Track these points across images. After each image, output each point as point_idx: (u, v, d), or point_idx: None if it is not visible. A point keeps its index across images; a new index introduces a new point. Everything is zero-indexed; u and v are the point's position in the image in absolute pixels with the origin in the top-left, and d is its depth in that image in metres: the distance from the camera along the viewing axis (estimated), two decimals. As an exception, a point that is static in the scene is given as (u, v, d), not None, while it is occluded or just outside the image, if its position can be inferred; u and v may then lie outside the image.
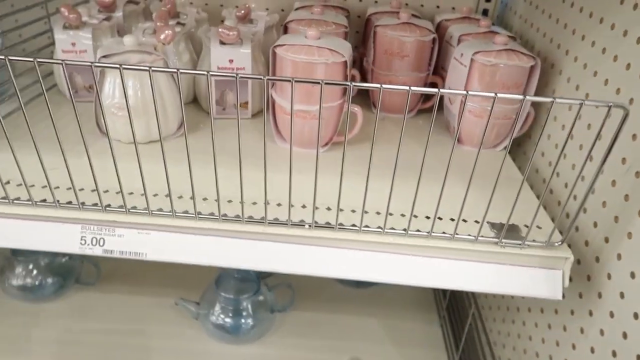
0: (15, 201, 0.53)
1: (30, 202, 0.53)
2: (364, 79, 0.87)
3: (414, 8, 0.94)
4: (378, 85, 0.43)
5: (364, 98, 0.88)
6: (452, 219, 0.57)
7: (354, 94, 0.83)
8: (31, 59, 0.42)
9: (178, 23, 0.80)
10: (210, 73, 0.42)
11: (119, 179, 0.50)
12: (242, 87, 0.76)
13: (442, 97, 0.83)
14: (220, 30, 0.72)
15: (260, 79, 0.43)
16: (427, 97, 0.84)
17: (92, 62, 0.43)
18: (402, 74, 0.80)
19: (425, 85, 0.83)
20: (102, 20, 0.79)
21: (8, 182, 0.57)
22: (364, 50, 0.91)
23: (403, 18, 0.79)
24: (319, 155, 0.48)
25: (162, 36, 0.70)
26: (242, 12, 0.85)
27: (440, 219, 0.56)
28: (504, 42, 0.70)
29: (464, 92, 0.45)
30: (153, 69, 0.43)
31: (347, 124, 0.46)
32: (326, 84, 0.43)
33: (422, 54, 0.79)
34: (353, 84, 0.44)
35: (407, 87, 0.43)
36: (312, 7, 0.82)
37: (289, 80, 0.43)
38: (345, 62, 0.64)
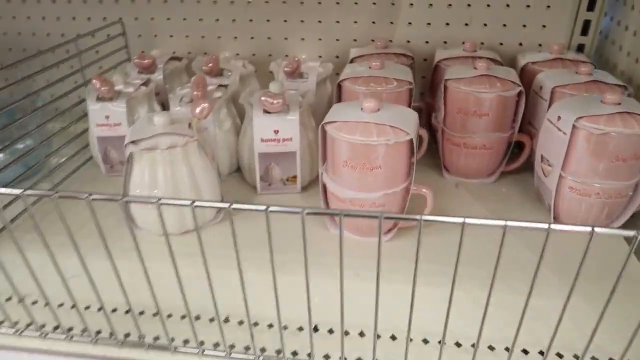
0: (25, 332, 0.45)
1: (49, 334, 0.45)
2: (433, 138, 0.74)
3: (491, 47, 0.80)
4: (338, 213, 0.31)
5: (433, 157, 0.75)
6: (541, 353, 0.42)
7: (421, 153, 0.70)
8: (83, 197, 0.34)
9: (219, 86, 0.72)
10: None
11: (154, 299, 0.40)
12: (289, 160, 0.66)
13: (529, 157, 0.69)
14: (263, 99, 0.63)
15: (298, 212, 0.32)
16: (517, 153, 0.69)
17: (120, 198, 0.34)
18: (480, 135, 0.66)
19: (509, 147, 0.69)
20: (140, 85, 0.72)
21: (22, 300, 0.49)
22: (431, 101, 0.78)
23: (480, 68, 0.65)
24: (382, 245, 0.36)
25: (198, 110, 0.61)
26: (291, 66, 0.75)
27: (525, 352, 0.42)
28: (616, 101, 0.54)
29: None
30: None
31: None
32: (385, 217, 0.32)
33: (505, 111, 0.65)
34: (384, 216, 0.31)
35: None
36: (371, 59, 0.70)
37: (337, 214, 0.32)
38: (411, 140, 0.52)
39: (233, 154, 0.73)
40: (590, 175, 0.55)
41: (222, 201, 0.63)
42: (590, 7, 0.75)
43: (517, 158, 0.71)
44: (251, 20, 0.84)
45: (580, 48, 0.78)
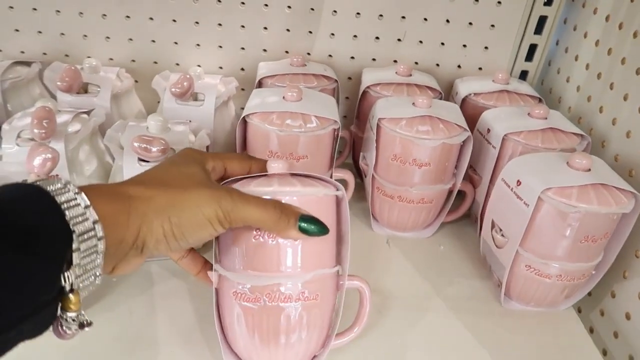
0: None
1: None
2: (361, 182, 0.61)
3: (426, 68, 0.68)
4: None
5: (360, 201, 0.62)
6: None
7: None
8: None
9: (79, 114, 0.52)
10: None
11: None
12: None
13: (475, 217, 0.58)
14: (136, 145, 0.45)
15: None
16: (456, 203, 0.58)
17: None
18: (418, 188, 0.54)
19: (451, 198, 0.58)
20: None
21: None
22: (358, 132, 0.64)
23: (420, 106, 0.53)
24: None
25: (37, 161, 0.42)
26: (181, 87, 0.57)
27: None
28: (587, 167, 0.44)
29: None
30: None
31: None
32: None
33: (449, 160, 0.54)
34: None
35: None
36: (285, 80, 0.55)
37: None
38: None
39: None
40: (554, 255, 0.45)
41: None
42: (538, 30, 0.65)
43: (457, 208, 0.60)
44: (128, 17, 0.64)
45: (523, 75, 0.68)
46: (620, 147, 0.53)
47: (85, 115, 0.54)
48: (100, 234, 0.25)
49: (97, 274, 0.26)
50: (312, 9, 0.64)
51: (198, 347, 0.43)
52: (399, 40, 0.66)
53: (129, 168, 0.46)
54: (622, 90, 0.53)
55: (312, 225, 0.33)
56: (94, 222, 0.25)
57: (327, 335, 0.39)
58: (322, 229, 0.33)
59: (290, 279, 0.34)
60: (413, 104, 0.54)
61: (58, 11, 0.63)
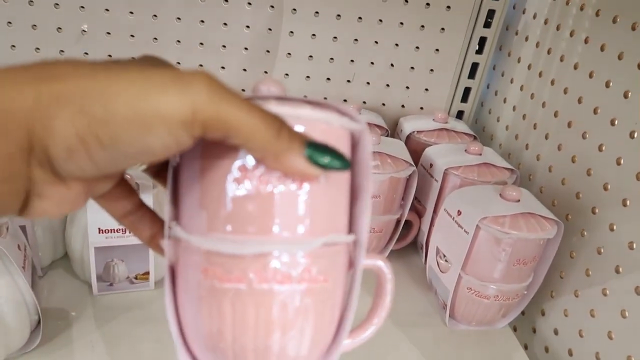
0: None
1: None
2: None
3: (373, 107, 0.73)
4: None
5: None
6: None
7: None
8: None
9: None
10: None
11: None
12: (138, 255, 0.51)
13: (421, 245, 0.63)
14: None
15: None
16: (403, 232, 0.63)
17: None
18: (370, 218, 0.58)
19: (399, 228, 0.62)
20: None
21: None
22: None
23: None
24: None
25: None
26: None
27: None
28: (516, 198, 0.50)
29: None
30: None
31: None
32: None
33: (396, 192, 0.58)
34: None
35: None
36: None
37: None
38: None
39: (59, 238, 0.54)
40: (491, 277, 0.50)
41: (38, 313, 0.45)
42: (471, 75, 0.72)
43: (404, 236, 0.65)
44: (86, 54, 0.65)
45: (459, 114, 0.76)
46: (544, 180, 0.60)
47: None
48: None
49: None
50: (268, 51, 0.68)
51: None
52: (348, 81, 0.71)
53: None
54: (544, 130, 0.61)
55: (326, 155, 0.20)
56: None
57: (338, 333, 0.25)
58: (342, 162, 0.21)
59: (289, 246, 0.21)
60: (363, 141, 0.58)
61: (13, 46, 0.64)
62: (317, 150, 0.20)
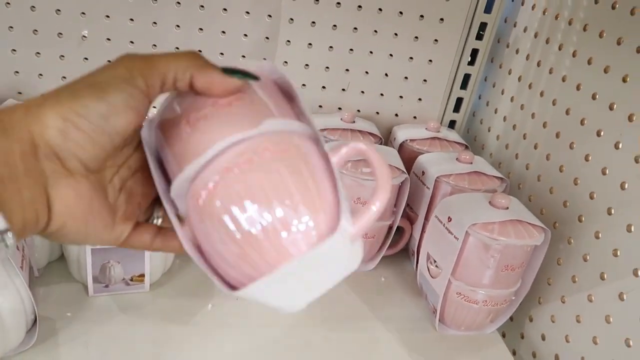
0: None
1: None
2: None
3: (367, 116, 0.75)
4: None
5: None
6: None
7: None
8: None
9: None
10: None
11: None
12: (134, 257, 0.51)
13: (413, 251, 0.64)
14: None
15: None
16: (395, 238, 0.64)
17: None
18: (362, 224, 0.59)
19: (391, 234, 0.63)
20: None
21: None
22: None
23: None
24: None
25: None
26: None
27: None
28: (505, 205, 0.52)
29: None
30: None
31: None
32: None
33: (389, 199, 0.60)
34: None
35: None
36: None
37: None
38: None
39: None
40: (480, 282, 0.52)
41: (34, 313, 0.46)
42: (463, 86, 0.74)
43: (396, 242, 0.66)
44: (86, 59, 0.66)
45: (452, 124, 0.77)
46: (533, 189, 0.61)
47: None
48: None
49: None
50: (265, 59, 0.69)
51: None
52: (343, 90, 0.73)
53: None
54: (533, 140, 0.62)
55: (237, 72, 0.26)
56: None
57: (336, 202, 0.26)
58: (250, 75, 0.27)
59: (249, 137, 0.25)
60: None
61: (14, 50, 0.65)
62: (229, 69, 0.26)
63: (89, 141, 0.23)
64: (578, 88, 0.55)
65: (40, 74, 0.67)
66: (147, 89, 0.24)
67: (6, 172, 0.21)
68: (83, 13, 0.63)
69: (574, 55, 0.57)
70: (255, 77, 0.27)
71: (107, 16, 0.64)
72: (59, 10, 0.63)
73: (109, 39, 0.65)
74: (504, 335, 0.61)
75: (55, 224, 0.24)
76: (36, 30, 0.63)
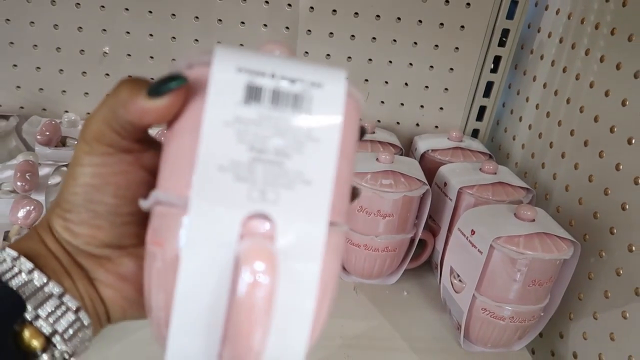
0: None
1: None
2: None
3: (388, 126, 0.73)
4: None
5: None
6: None
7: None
8: None
9: (60, 167, 0.54)
10: None
11: None
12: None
13: (436, 264, 0.62)
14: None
15: None
16: (418, 251, 0.62)
17: None
18: (382, 237, 0.58)
19: (413, 247, 0.62)
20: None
21: None
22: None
23: (384, 162, 0.58)
24: None
25: (22, 213, 0.44)
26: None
27: None
28: (531, 218, 0.50)
29: None
30: None
31: None
32: None
33: (410, 211, 0.58)
34: None
35: None
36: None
37: None
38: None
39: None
40: (506, 298, 0.50)
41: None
42: (486, 94, 0.72)
43: (419, 256, 0.64)
44: (108, 75, 0.67)
45: (475, 133, 0.75)
46: (561, 200, 0.59)
47: (65, 168, 0.56)
48: (38, 279, 0.21)
49: (71, 307, 0.21)
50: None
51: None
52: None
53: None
54: (560, 149, 0.60)
55: (162, 85, 0.19)
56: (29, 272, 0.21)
57: None
58: (178, 80, 0.19)
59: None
60: (377, 159, 0.59)
61: (38, 68, 0.66)
62: (154, 86, 0.19)
63: (93, 228, 0.22)
64: (607, 94, 0.53)
65: (64, 91, 0.68)
66: (103, 152, 0.22)
67: (57, 266, 0.22)
68: (104, 30, 0.64)
69: (601, 60, 0.55)
70: (182, 81, 0.19)
71: (127, 32, 0.65)
72: (80, 27, 0.64)
73: (129, 55, 0.66)
74: (533, 352, 0.58)
75: (113, 314, 0.24)
76: (59, 48, 0.65)
